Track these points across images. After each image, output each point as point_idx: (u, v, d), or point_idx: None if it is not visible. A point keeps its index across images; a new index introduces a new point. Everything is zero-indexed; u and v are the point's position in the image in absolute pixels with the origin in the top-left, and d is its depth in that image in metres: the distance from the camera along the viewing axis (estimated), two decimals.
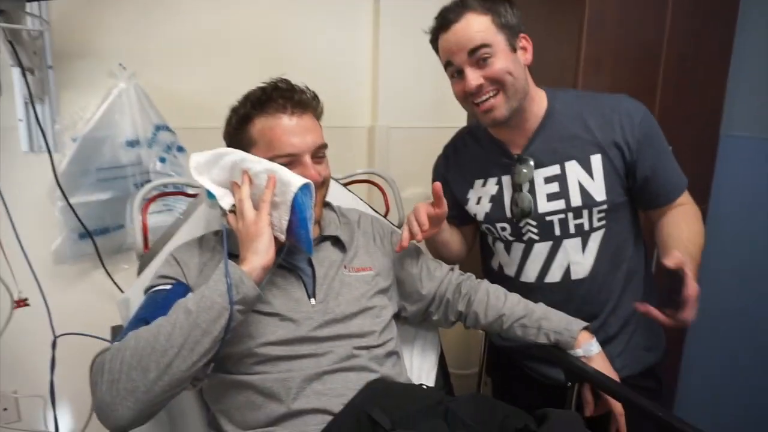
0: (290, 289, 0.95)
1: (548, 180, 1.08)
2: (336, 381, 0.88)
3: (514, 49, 1.02)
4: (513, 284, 1.15)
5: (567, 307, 1.06)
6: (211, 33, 1.56)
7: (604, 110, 1.06)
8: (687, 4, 1.55)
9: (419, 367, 1.19)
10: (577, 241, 1.09)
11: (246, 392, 0.88)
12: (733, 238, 1.82)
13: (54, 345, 1.02)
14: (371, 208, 1.36)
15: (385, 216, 1.41)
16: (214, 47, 1.57)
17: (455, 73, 1.05)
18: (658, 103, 1.60)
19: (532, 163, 1.08)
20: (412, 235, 1.02)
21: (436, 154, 1.30)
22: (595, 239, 1.09)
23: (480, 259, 1.31)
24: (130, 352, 0.74)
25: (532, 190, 1.09)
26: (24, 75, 1.27)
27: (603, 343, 1.02)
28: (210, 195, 0.93)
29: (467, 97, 1.04)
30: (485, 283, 1.13)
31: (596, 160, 1.06)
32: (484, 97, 1.02)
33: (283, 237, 0.88)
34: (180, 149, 1.53)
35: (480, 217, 1.17)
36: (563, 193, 1.07)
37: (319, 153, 0.97)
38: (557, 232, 1.09)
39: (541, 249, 1.12)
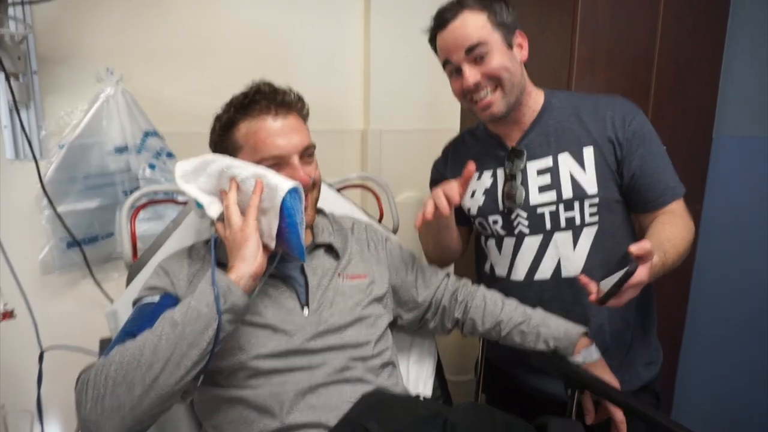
0: (282, 299, 0.93)
1: (540, 172, 1.09)
2: (331, 394, 0.86)
3: (510, 46, 1.04)
4: (503, 284, 1.15)
5: (556, 307, 1.06)
6: (200, 37, 1.54)
7: (599, 107, 1.08)
8: (678, 5, 1.55)
9: (416, 376, 1.18)
10: (568, 235, 1.08)
11: (238, 407, 0.85)
12: (726, 238, 1.82)
13: (41, 358, 1.00)
14: (365, 213, 1.34)
15: (379, 221, 1.39)
16: (203, 51, 1.54)
17: (453, 71, 1.06)
18: (652, 103, 1.59)
19: (525, 154, 1.10)
20: (438, 210, 0.98)
21: (429, 156, 1.29)
22: (587, 235, 1.08)
23: (474, 267, 1.30)
24: (114, 368, 0.72)
25: (524, 182, 1.10)
26: (8, 80, 1.25)
27: None
28: (198, 204, 0.90)
29: (466, 95, 1.06)
30: (482, 289, 1.11)
31: (589, 152, 1.06)
32: (481, 94, 1.04)
33: (272, 243, 0.85)
34: (170, 155, 1.50)
35: (474, 211, 1.17)
36: (555, 185, 1.07)
37: (307, 153, 0.95)
38: (548, 225, 1.09)
39: (531, 243, 1.11)
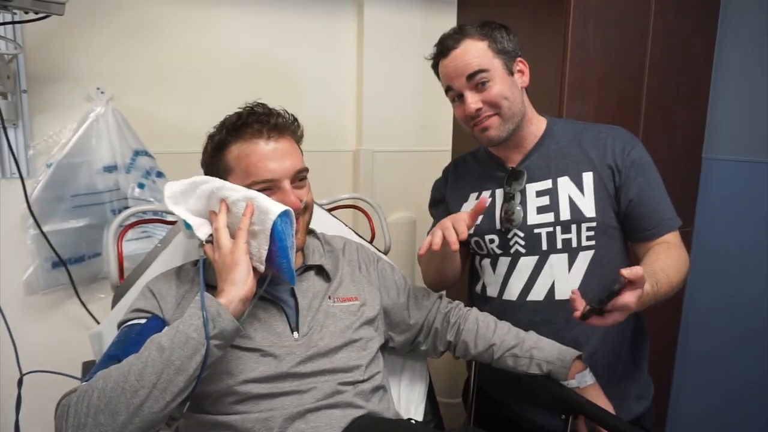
0: (272, 322, 0.91)
1: (540, 193, 1.10)
2: (320, 419, 0.84)
3: (511, 73, 1.07)
4: (495, 305, 1.14)
5: (547, 330, 1.05)
6: (192, 56, 1.54)
7: (599, 134, 1.11)
8: (667, 29, 1.59)
9: (407, 400, 1.16)
10: (564, 257, 1.08)
11: None
12: (717, 261, 1.83)
13: (20, 383, 0.97)
14: (356, 233, 1.33)
15: (371, 241, 1.38)
16: (195, 71, 1.54)
17: (456, 97, 1.09)
18: (642, 127, 1.61)
19: (525, 174, 1.11)
20: (447, 242, 0.96)
21: (421, 177, 1.29)
22: (583, 259, 1.08)
23: (467, 288, 1.29)
24: (97, 394, 0.70)
25: (523, 202, 1.11)
26: None
27: None
28: (187, 225, 0.89)
29: (469, 121, 1.09)
30: (474, 311, 1.10)
31: (588, 177, 1.08)
32: (482, 118, 1.06)
33: (262, 267, 0.84)
34: (159, 174, 1.49)
35: (471, 229, 1.15)
36: (553, 206, 1.08)
37: (299, 177, 0.95)
38: (544, 246, 1.09)
39: (526, 263, 1.10)
